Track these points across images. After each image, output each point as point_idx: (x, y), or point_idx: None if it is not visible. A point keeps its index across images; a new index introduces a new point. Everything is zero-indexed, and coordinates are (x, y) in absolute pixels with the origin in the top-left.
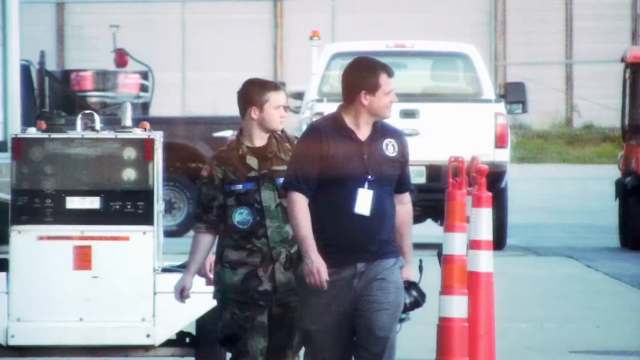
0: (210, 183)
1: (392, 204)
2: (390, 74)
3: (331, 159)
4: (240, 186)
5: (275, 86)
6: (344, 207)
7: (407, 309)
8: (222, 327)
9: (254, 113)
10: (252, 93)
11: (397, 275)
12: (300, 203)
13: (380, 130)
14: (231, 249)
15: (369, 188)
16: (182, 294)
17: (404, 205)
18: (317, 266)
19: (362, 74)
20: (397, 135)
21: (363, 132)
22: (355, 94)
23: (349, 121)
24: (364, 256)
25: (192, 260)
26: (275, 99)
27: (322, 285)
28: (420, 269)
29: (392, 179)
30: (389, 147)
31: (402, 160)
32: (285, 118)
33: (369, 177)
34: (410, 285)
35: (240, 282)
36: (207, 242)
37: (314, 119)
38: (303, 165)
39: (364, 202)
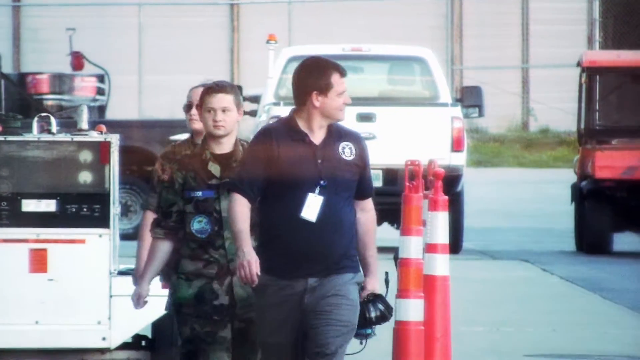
0: (170, 187)
1: (351, 212)
2: (342, 73)
3: (282, 164)
4: (199, 193)
5: (210, 89)
6: (294, 213)
7: (373, 322)
8: (183, 343)
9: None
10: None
11: (352, 290)
12: (240, 202)
13: (336, 134)
14: (188, 259)
15: (320, 194)
16: (138, 301)
17: (367, 213)
18: (249, 259)
19: (313, 74)
20: (354, 138)
21: (317, 136)
22: (306, 96)
23: (302, 124)
24: (316, 270)
25: (148, 267)
26: (207, 101)
27: (253, 280)
28: (387, 282)
29: (349, 185)
30: (346, 151)
31: (360, 164)
32: (226, 123)
33: (322, 182)
34: (376, 298)
35: (194, 296)
36: (165, 249)
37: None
38: (249, 169)
39: (311, 207)
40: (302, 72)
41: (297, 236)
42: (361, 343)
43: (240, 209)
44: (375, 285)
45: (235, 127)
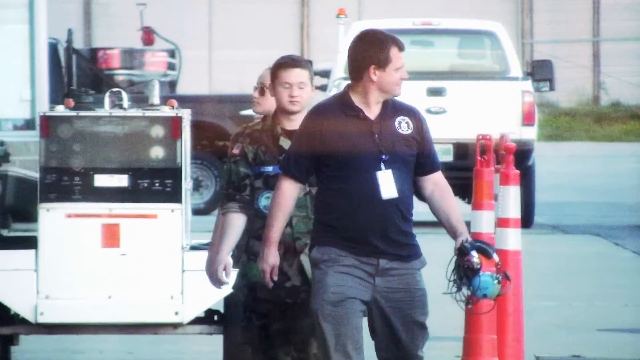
0: (242, 161)
1: (410, 189)
2: (401, 47)
3: (337, 141)
4: (270, 168)
5: (286, 63)
6: (361, 193)
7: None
8: (243, 331)
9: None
10: (271, 70)
11: (420, 281)
12: (285, 190)
13: (392, 109)
14: (255, 238)
15: (386, 168)
16: (225, 271)
17: (439, 184)
18: (264, 267)
19: (371, 47)
20: (411, 112)
21: (373, 111)
22: (363, 70)
23: (357, 100)
24: (385, 250)
25: (225, 240)
26: (282, 76)
27: (267, 285)
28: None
29: (407, 159)
30: (402, 125)
31: (418, 138)
32: (302, 98)
33: (383, 156)
34: (470, 243)
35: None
36: (240, 223)
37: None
38: (298, 149)
39: (387, 184)
40: (360, 45)
41: (364, 216)
42: (468, 304)
43: (283, 200)
44: (465, 236)
45: (307, 104)
